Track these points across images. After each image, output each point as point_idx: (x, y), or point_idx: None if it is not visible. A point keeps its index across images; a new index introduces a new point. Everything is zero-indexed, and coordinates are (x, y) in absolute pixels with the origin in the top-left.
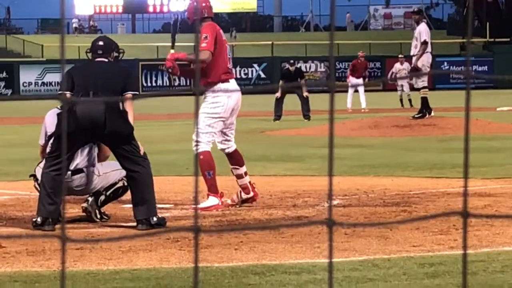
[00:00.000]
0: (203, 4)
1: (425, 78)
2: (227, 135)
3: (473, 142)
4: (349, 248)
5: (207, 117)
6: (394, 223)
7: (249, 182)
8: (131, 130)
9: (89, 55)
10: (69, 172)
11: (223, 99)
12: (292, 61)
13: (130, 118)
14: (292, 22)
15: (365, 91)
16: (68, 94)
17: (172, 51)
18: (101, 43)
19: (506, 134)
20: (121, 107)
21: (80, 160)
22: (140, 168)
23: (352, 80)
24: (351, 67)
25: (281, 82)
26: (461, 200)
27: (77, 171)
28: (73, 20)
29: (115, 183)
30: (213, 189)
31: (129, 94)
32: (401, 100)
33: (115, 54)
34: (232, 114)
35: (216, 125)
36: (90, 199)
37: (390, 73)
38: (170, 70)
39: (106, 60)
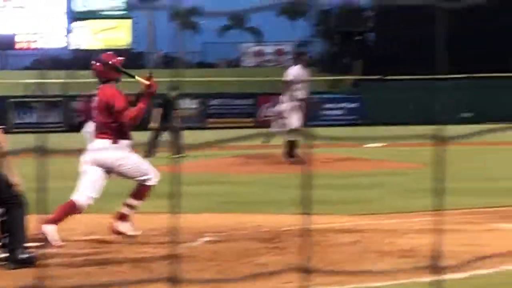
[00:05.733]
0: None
1: (294, 117)
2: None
3: (342, 179)
4: None
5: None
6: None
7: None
8: None
9: None
10: None
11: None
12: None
13: None
14: (165, 58)
15: (237, 127)
16: None
17: (138, 78)
18: None
19: (373, 171)
20: None
21: None
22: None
23: None
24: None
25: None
26: (331, 236)
27: None
28: None
29: None
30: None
31: None
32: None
33: None
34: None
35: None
36: None
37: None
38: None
39: None
